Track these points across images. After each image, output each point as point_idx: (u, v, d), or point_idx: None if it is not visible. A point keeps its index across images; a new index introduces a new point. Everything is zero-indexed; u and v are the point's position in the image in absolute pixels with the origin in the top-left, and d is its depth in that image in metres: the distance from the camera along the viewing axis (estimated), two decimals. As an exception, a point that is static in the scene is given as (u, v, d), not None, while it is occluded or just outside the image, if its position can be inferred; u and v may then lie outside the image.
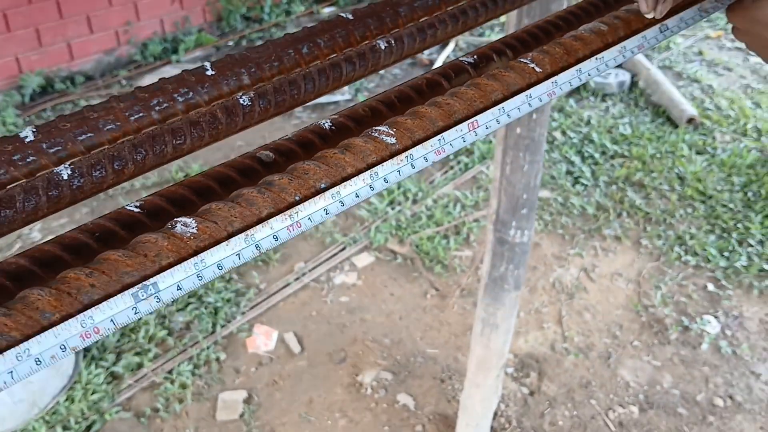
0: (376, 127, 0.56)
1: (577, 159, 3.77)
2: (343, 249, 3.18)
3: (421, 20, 0.74)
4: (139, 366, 2.62)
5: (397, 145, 0.55)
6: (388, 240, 3.23)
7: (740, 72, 4.73)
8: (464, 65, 0.70)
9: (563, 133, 4.01)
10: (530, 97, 0.61)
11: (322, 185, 0.51)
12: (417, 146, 0.55)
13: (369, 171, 0.52)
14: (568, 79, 0.64)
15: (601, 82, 4.41)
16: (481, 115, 0.58)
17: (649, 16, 0.66)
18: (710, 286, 2.98)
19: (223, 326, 2.76)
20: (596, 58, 0.66)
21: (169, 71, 5.06)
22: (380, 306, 2.89)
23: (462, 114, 0.59)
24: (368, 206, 3.42)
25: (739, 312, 2.85)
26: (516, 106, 0.60)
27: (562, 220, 3.37)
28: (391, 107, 0.65)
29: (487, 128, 0.59)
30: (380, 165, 0.53)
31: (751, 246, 3.16)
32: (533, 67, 0.64)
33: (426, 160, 0.55)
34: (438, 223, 3.32)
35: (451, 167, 3.74)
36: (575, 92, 4.43)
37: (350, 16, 0.69)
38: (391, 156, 0.54)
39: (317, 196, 0.50)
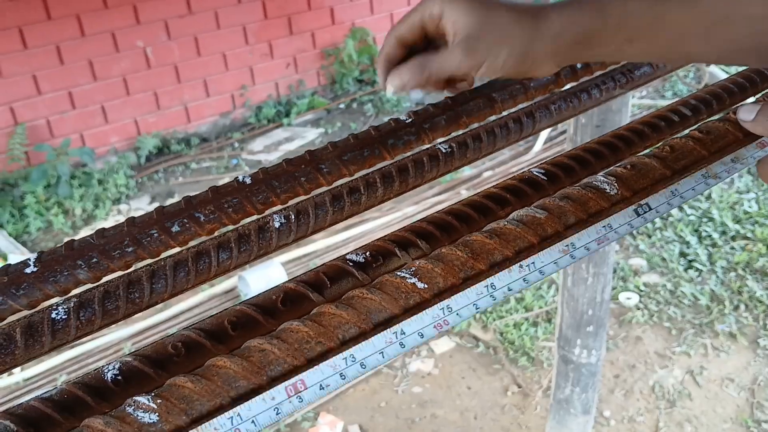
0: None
1: (693, 239, 3.41)
2: (423, 332, 3.01)
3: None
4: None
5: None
6: (471, 324, 3.02)
7: None
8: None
9: (680, 208, 3.66)
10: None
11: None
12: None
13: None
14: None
15: (727, 152, 4.00)
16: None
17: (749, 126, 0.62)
18: (843, 403, 2.54)
19: (287, 413, 2.65)
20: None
21: (281, 134, 5.15)
22: (455, 401, 2.68)
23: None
24: (454, 286, 3.23)
25: None
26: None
27: (669, 310, 3.02)
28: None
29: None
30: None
31: None
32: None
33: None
34: (528, 308, 3.08)
35: (550, 244, 3.48)
36: (697, 162, 4.05)
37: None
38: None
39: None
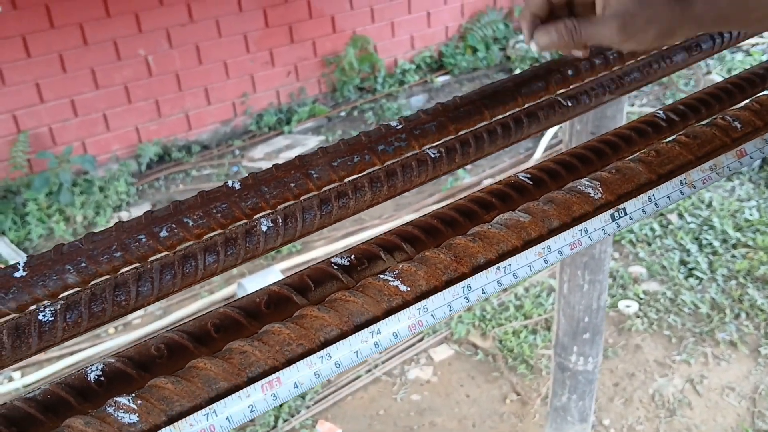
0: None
1: (693, 247, 3.41)
2: (422, 339, 3.01)
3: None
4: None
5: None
6: (470, 332, 3.02)
7: None
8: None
9: (680, 216, 3.66)
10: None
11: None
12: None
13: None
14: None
15: (728, 160, 4.00)
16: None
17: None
18: (844, 411, 2.53)
19: (285, 420, 2.65)
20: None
21: (281, 141, 5.17)
22: (453, 409, 2.68)
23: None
24: (454, 293, 3.23)
25: None
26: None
27: (669, 318, 3.02)
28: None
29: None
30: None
31: None
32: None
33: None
34: (527, 315, 3.07)
35: (549, 252, 3.47)
36: (697, 170, 4.05)
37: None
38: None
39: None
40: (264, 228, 0.60)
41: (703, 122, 0.69)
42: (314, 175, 0.66)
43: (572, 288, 1.61)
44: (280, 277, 3.19)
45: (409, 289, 0.47)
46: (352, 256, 0.54)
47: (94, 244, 0.56)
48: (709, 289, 3.15)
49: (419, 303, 0.46)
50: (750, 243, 3.40)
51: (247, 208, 0.62)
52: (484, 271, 0.49)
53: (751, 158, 0.62)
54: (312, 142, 5.08)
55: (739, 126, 0.66)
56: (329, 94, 5.65)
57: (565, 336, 1.65)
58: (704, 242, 3.44)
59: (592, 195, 0.57)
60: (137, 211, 4.30)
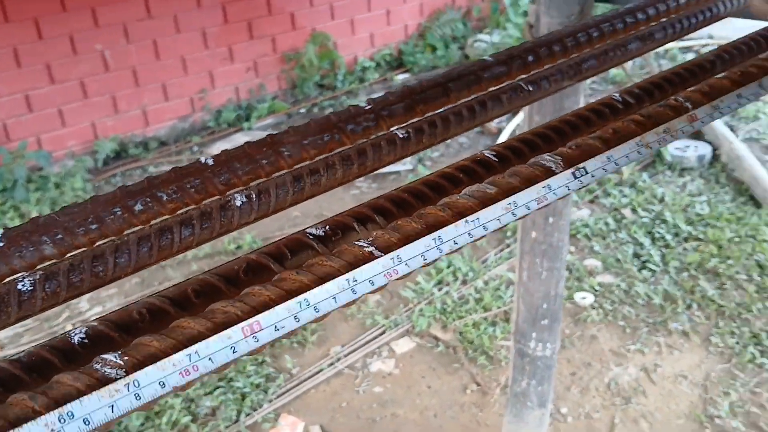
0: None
1: (646, 240, 3.50)
2: (383, 333, 3.03)
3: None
4: (160, 453, 2.54)
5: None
6: (431, 325, 3.06)
7: (839, 145, 4.33)
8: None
9: (633, 210, 3.75)
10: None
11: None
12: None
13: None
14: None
15: (679, 156, 4.12)
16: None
17: None
18: (789, 396, 2.64)
19: (248, 414, 2.65)
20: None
21: (241, 138, 5.13)
22: (415, 400, 2.71)
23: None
24: (414, 286, 3.27)
25: (823, 429, 2.50)
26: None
27: (624, 310, 3.10)
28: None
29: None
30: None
31: (841, 350, 2.79)
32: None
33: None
34: (486, 307, 3.12)
35: (507, 245, 3.54)
36: (650, 166, 4.16)
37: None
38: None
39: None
40: (238, 203, 0.61)
41: (656, 104, 0.72)
42: (285, 153, 0.68)
43: (531, 275, 1.65)
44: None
45: (383, 254, 0.50)
46: (327, 227, 0.56)
47: (69, 216, 0.57)
48: (661, 281, 3.24)
49: (392, 253, 0.48)
50: (701, 236, 3.50)
51: (220, 183, 0.64)
52: (454, 224, 0.52)
53: (702, 122, 0.66)
54: (272, 139, 5.07)
55: (690, 106, 0.69)
56: (289, 90, 5.64)
57: (524, 323, 1.70)
58: (657, 236, 3.54)
59: (553, 168, 0.60)
60: (94, 208, 4.24)
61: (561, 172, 0.60)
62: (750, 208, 3.70)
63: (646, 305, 3.12)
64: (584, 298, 3.16)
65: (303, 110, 5.47)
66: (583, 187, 0.59)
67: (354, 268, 0.48)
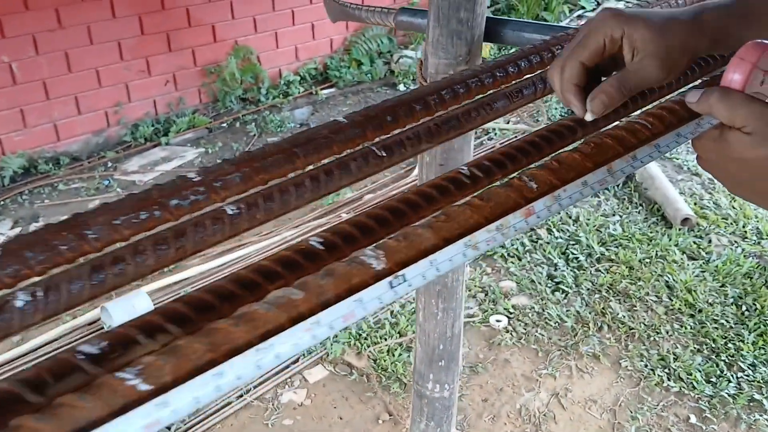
0: None
1: (560, 261, 3.53)
2: (297, 361, 2.96)
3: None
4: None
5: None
6: (346, 351, 3.00)
7: (746, 166, 4.47)
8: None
9: (549, 231, 3.78)
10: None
11: None
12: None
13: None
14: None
15: (595, 176, 4.18)
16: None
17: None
18: (693, 418, 2.68)
19: (149, 451, 2.53)
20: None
21: (158, 153, 4.98)
22: None
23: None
24: (329, 312, 3.20)
25: (725, 451, 2.55)
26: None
27: (537, 332, 3.11)
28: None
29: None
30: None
31: (742, 370, 2.86)
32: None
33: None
34: (402, 332, 3.08)
35: (426, 268, 3.51)
36: (567, 186, 4.21)
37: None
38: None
39: None
40: (20, 304, 0.54)
41: (499, 182, 0.69)
42: (91, 236, 0.61)
43: (427, 316, 1.61)
44: (147, 299, 3.06)
45: (150, 387, 0.43)
46: (106, 343, 0.49)
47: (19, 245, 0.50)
48: (574, 303, 3.27)
49: (157, 398, 0.42)
50: (613, 257, 3.55)
51: (6, 276, 0.57)
52: (242, 355, 0.46)
53: (538, 217, 0.62)
54: (190, 155, 4.94)
55: (535, 186, 0.66)
56: (210, 104, 5.51)
57: (421, 364, 1.66)
58: (571, 256, 3.57)
59: (374, 266, 0.55)
60: (-3, 229, 4.04)
61: (381, 268, 0.55)
62: (661, 228, 3.78)
63: (558, 328, 3.14)
64: (499, 321, 3.16)
65: (225, 124, 5.35)
66: (399, 297, 0.54)
67: (106, 407, 0.41)
